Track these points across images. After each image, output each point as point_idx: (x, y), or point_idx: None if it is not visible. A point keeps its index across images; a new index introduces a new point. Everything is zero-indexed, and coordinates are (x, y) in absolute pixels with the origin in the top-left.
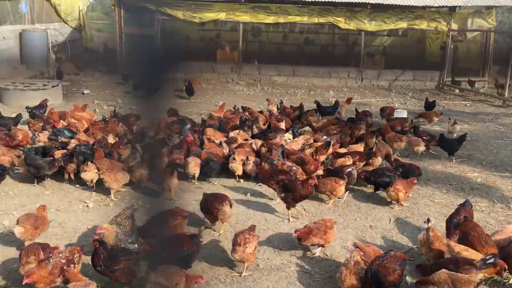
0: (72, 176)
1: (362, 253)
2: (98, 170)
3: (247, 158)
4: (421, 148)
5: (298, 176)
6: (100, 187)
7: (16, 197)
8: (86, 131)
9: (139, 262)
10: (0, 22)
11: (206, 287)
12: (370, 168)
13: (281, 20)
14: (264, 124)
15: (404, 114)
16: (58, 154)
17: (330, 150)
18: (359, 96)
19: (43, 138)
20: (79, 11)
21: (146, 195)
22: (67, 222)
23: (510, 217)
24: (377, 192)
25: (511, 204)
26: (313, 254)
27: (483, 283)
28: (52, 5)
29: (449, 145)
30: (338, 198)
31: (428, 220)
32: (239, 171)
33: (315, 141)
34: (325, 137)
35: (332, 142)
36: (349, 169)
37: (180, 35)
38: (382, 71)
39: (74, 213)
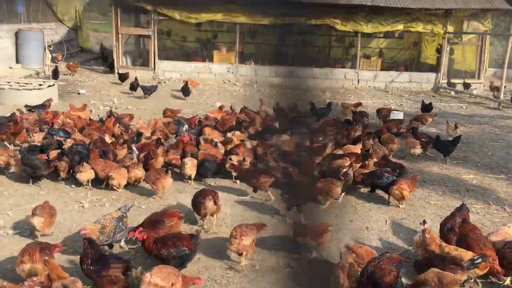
0: (63, 175)
1: (354, 255)
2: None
3: (244, 159)
4: (418, 150)
5: (293, 177)
6: (95, 187)
7: (11, 197)
8: (81, 130)
9: (128, 271)
10: None
11: None
12: (365, 170)
13: (278, 21)
14: (260, 126)
15: (400, 115)
16: (53, 154)
17: (328, 151)
18: (355, 98)
19: (37, 138)
20: (76, 11)
21: (142, 195)
22: (62, 222)
23: (505, 218)
24: (373, 193)
25: (506, 206)
26: (310, 255)
27: (478, 284)
28: (48, 4)
29: (444, 147)
30: (335, 199)
31: (424, 222)
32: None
33: (312, 142)
34: (320, 138)
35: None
36: (345, 170)
37: (176, 35)
38: (379, 73)
39: (70, 213)
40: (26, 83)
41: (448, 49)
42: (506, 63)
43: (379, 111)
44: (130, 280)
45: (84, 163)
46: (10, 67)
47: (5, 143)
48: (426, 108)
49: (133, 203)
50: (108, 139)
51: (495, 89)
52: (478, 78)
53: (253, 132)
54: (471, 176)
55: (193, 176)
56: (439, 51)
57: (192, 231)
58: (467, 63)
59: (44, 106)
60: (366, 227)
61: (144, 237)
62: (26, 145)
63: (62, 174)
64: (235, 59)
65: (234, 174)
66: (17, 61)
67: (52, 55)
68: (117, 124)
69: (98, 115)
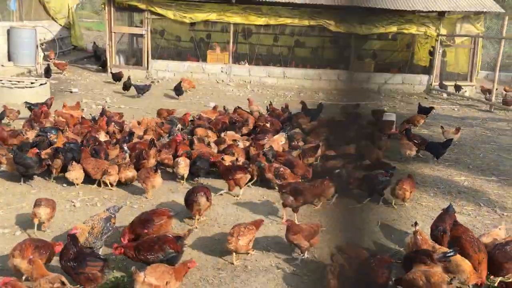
0: (56, 173)
1: (345, 256)
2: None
3: (237, 159)
4: (413, 152)
5: (286, 178)
6: (87, 186)
7: (1, 195)
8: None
9: (105, 269)
10: None
11: None
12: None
13: (272, 22)
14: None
15: (393, 117)
16: (45, 154)
17: (319, 152)
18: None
19: (30, 136)
20: (69, 9)
21: (134, 195)
22: (54, 222)
23: (496, 220)
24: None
25: (497, 208)
26: (301, 255)
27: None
28: (41, 2)
29: (435, 149)
30: (327, 200)
31: (416, 224)
32: None
33: (304, 143)
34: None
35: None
36: (338, 171)
37: (170, 35)
38: (372, 74)
39: (61, 213)
40: (18, 81)
41: (440, 51)
42: (498, 66)
43: (374, 112)
44: (107, 278)
45: (74, 162)
46: (2, 65)
47: None
48: (424, 111)
49: (125, 203)
50: (103, 137)
51: (485, 92)
52: (470, 80)
53: (246, 132)
54: (463, 178)
55: (185, 176)
56: (432, 53)
57: (184, 231)
58: (459, 65)
59: (45, 104)
60: (358, 228)
61: (121, 252)
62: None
63: (55, 172)
64: (228, 59)
65: None
66: (9, 59)
67: (44, 53)
68: (113, 123)
69: (91, 114)
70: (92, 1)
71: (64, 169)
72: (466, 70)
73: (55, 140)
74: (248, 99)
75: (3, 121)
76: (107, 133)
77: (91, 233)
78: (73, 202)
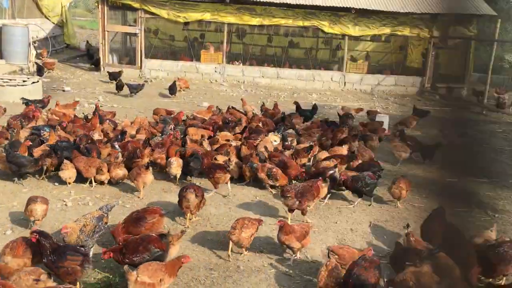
0: (49, 171)
1: (337, 256)
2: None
3: (229, 159)
4: (406, 154)
5: (278, 179)
6: (79, 186)
7: None
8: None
9: (85, 264)
10: None
11: None
12: (351, 172)
13: (266, 22)
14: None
15: (386, 118)
16: (37, 152)
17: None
18: (342, 100)
19: (22, 135)
20: (62, 7)
21: (127, 194)
22: (45, 221)
23: (487, 222)
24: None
25: (488, 210)
26: (293, 256)
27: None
28: (34, 0)
29: (426, 151)
30: (320, 200)
31: (408, 226)
32: None
33: (298, 143)
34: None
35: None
36: (331, 172)
37: (164, 34)
38: (365, 76)
39: (53, 212)
40: (10, 79)
41: (433, 53)
42: (491, 69)
43: (369, 113)
44: (87, 272)
45: (66, 161)
46: None
47: None
48: (420, 114)
49: (117, 202)
50: (97, 136)
51: (476, 94)
52: (463, 82)
53: (239, 131)
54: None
55: (178, 176)
56: (424, 55)
57: (176, 231)
58: (452, 67)
59: (42, 101)
60: (350, 229)
61: (110, 255)
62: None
63: (48, 171)
64: (222, 59)
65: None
66: (1, 57)
67: (36, 52)
68: (107, 121)
69: (83, 113)
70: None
71: (57, 167)
72: (458, 72)
73: (48, 137)
74: (242, 99)
75: None
76: (102, 130)
77: (83, 230)
78: (64, 201)
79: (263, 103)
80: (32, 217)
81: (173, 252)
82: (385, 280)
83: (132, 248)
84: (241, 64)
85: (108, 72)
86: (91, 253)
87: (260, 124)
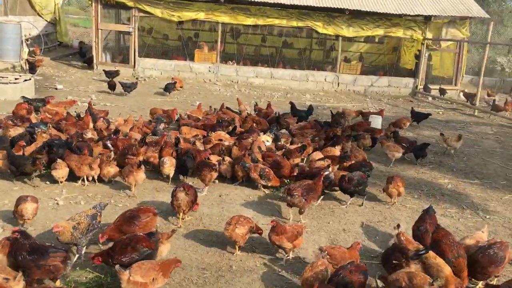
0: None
1: (328, 256)
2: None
3: (223, 158)
4: (400, 154)
5: (270, 178)
6: (70, 184)
7: None
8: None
9: (67, 260)
10: None
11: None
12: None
13: (260, 22)
14: (240, 126)
15: (379, 119)
16: (29, 150)
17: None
18: (335, 101)
19: (14, 133)
20: (55, 4)
21: (119, 194)
22: (36, 220)
23: (479, 223)
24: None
25: (479, 211)
26: (286, 256)
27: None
28: None
29: (416, 150)
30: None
31: (398, 226)
32: None
33: (291, 144)
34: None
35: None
36: (326, 172)
37: (158, 33)
38: (358, 77)
39: (44, 211)
40: (2, 77)
41: (426, 55)
42: (483, 71)
43: (363, 114)
44: (68, 270)
45: (59, 160)
46: None
47: None
48: (418, 116)
49: (109, 201)
50: (90, 135)
51: (467, 96)
52: (455, 84)
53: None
54: (447, 180)
55: (171, 176)
56: (417, 56)
57: (168, 230)
58: (444, 69)
59: (43, 100)
60: (343, 229)
61: (99, 260)
62: None
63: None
64: (216, 58)
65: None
66: None
67: (29, 49)
68: (101, 118)
69: (75, 111)
70: None
71: (47, 165)
72: (451, 74)
73: (43, 135)
74: (237, 99)
75: None
76: (95, 129)
77: (77, 228)
78: (56, 200)
79: (256, 103)
80: (23, 216)
81: (164, 250)
82: (377, 278)
83: (120, 250)
84: (235, 64)
85: (104, 70)
86: (83, 252)
87: (254, 124)
